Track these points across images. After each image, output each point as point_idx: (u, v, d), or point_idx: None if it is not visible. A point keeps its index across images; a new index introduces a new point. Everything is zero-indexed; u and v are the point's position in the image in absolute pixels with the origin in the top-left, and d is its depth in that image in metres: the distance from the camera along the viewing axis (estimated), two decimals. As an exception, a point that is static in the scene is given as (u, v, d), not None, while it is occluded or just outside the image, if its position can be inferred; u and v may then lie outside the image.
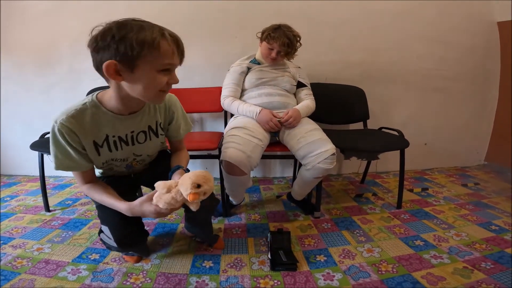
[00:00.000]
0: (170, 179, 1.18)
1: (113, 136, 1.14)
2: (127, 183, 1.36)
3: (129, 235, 1.24)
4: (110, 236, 1.23)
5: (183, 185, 1.01)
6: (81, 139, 1.07)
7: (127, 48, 0.91)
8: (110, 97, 1.07)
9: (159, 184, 1.04)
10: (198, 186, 1.01)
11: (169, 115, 1.29)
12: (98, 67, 0.97)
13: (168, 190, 1.03)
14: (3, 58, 2.51)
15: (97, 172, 1.30)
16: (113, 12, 2.36)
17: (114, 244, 1.24)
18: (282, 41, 1.79)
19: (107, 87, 1.07)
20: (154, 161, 1.39)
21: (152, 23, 0.97)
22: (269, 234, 1.63)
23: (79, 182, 1.18)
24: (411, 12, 2.57)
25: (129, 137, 1.18)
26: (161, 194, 1.04)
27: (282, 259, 1.44)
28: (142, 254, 1.49)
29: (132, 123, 1.16)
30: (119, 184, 1.27)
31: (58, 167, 1.09)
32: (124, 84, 1.00)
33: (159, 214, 1.06)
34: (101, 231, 1.33)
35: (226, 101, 1.91)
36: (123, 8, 2.40)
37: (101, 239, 1.36)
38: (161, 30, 0.96)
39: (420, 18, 2.60)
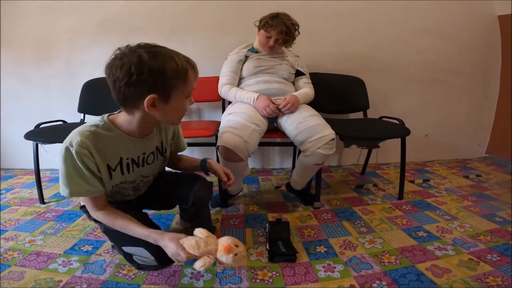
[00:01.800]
0: (203, 169, 1.33)
1: (127, 159, 1.12)
2: (131, 207, 1.29)
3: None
4: (147, 255, 1.13)
5: (221, 240, 1.01)
6: (97, 161, 1.02)
7: (165, 81, 0.93)
8: (125, 121, 1.05)
9: (200, 231, 1.03)
10: (236, 246, 1.01)
11: (172, 131, 1.33)
12: (125, 100, 0.96)
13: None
14: (0, 52, 2.47)
15: None
16: (110, 5, 2.37)
17: (153, 263, 1.14)
18: (280, 29, 1.75)
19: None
20: (157, 184, 1.39)
21: (170, 50, 0.99)
22: (267, 225, 1.59)
23: (92, 208, 1.10)
24: (411, 5, 2.54)
25: (140, 159, 1.18)
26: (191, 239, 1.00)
27: (281, 249, 1.40)
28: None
29: (144, 145, 1.16)
30: (125, 208, 1.21)
31: (74, 193, 1.02)
32: (156, 114, 1.00)
33: (177, 255, 1.00)
34: (125, 254, 1.22)
35: (224, 89, 1.87)
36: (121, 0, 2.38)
37: (129, 262, 1.21)
38: (186, 59, 1.00)
39: (421, 11, 2.57)
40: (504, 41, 2.74)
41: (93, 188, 1.04)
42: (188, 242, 0.97)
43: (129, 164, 1.14)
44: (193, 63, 1.03)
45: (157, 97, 0.94)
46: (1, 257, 1.39)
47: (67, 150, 0.97)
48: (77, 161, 0.97)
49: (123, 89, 0.92)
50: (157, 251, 1.08)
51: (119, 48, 0.94)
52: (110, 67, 0.92)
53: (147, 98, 0.92)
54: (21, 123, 2.55)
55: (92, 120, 1.07)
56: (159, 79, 0.92)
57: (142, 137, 1.12)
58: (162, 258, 1.10)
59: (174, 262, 1.13)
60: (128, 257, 1.17)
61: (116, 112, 1.09)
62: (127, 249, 1.15)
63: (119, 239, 1.16)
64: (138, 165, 1.18)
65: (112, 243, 1.42)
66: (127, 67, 0.89)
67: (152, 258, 1.11)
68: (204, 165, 1.34)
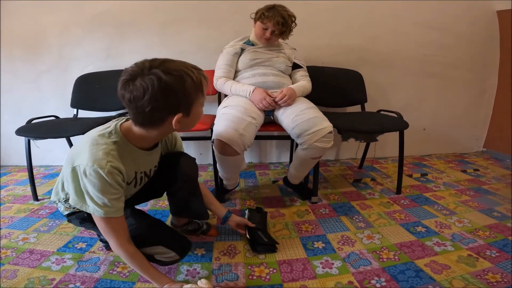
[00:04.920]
0: (225, 223, 1.46)
1: (141, 173, 1.13)
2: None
3: (182, 239, 1.25)
4: (168, 252, 1.15)
5: None
6: (124, 178, 1.01)
7: (187, 98, 0.95)
8: (143, 136, 1.02)
9: (203, 282, 1.07)
10: None
11: (173, 140, 1.32)
12: (148, 122, 0.96)
13: None
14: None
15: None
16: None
17: (176, 257, 1.17)
18: (276, 20, 1.72)
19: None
20: None
21: (180, 63, 0.97)
22: (246, 211, 1.58)
23: (121, 238, 1.02)
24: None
25: (152, 172, 1.20)
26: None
27: (264, 239, 1.40)
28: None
29: (154, 157, 1.18)
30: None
31: (108, 213, 0.97)
32: (177, 128, 1.00)
33: None
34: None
35: (219, 82, 1.84)
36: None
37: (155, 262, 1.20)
38: (197, 70, 0.99)
39: (419, 4, 2.54)
40: (503, 37, 2.72)
41: (123, 205, 1.02)
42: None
43: (142, 177, 1.15)
44: (203, 72, 1.01)
45: (182, 114, 0.96)
46: (-7, 255, 1.37)
47: (97, 172, 0.91)
48: (111, 181, 0.94)
49: (147, 113, 0.91)
50: (176, 245, 1.18)
51: (130, 68, 0.91)
52: (129, 91, 0.89)
53: (174, 119, 0.94)
54: (14, 119, 2.51)
55: (103, 130, 1.00)
56: (182, 98, 0.93)
57: (151, 150, 1.12)
58: (181, 250, 1.19)
59: (190, 249, 1.25)
60: (151, 258, 1.15)
61: (125, 119, 1.05)
62: (146, 250, 1.12)
63: (138, 242, 1.10)
64: (149, 177, 1.20)
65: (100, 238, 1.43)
66: (152, 93, 0.87)
67: (173, 253, 1.16)
68: (227, 217, 1.46)
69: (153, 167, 1.20)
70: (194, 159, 1.33)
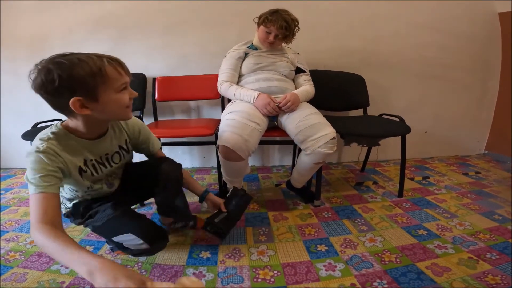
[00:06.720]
0: (203, 201, 1.50)
1: (91, 160, 1.18)
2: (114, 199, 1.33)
3: (155, 229, 1.25)
4: (136, 239, 1.16)
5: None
6: (65, 160, 1.06)
7: (80, 83, 0.95)
8: (76, 126, 1.09)
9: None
10: None
11: (134, 130, 1.35)
12: (60, 107, 1.01)
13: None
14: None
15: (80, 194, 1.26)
16: (105, 2, 2.36)
17: (144, 246, 1.17)
18: (279, 24, 1.75)
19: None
20: (128, 176, 1.39)
21: (83, 54, 0.99)
22: (231, 189, 1.60)
23: (38, 218, 0.92)
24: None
25: (104, 159, 1.23)
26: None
27: (215, 220, 1.42)
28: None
29: (104, 146, 1.21)
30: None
31: (38, 188, 0.95)
32: (93, 114, 1.02)
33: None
34: (115, 246, 1.28)
35: (223, 86, 1.87)
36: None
37: (123, 251, 1.28)
38: (101, 57, 1.00)
39: (420, 5, 2.55)
40: (505, 39, 2.73)
41: (54, 183, 1.00)
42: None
43: (95, 164, 1.20)
44: (111, 59, 1.02)
45: (82, 98, 0.97)
46: (2, 258, 1.39)
47: (33, 152, 0.99)
48: (44, 158, 0.99)
49: (49, 99, 0.98)
50: (145, 231, 1.18)
51: (35, 65, 0.97)
52: (31, 83, 0.96)
53: (70, 102, 0.96)
54: (18, 121, 2.55)
55: (47, 128, 1.09)
56: (72, 83, 0.94)
57: (97, 138, 1.17)
58: (150, 238, 1.17)
59: (165, 241, 1.25)
60: (121, 246, 1.23)
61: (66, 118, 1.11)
62: (116, 238, 1.20)
63: (108, 231, 1.22)
64: (105, 165, 1.24)
65: (107, 240, 1.45)
66: (39, 81, 0.94)
67: (141, 241, 1.16)
68: (203, 196, 1.49)
69: (105, 154, 1.23)
70: (180, 164, 1.38)
